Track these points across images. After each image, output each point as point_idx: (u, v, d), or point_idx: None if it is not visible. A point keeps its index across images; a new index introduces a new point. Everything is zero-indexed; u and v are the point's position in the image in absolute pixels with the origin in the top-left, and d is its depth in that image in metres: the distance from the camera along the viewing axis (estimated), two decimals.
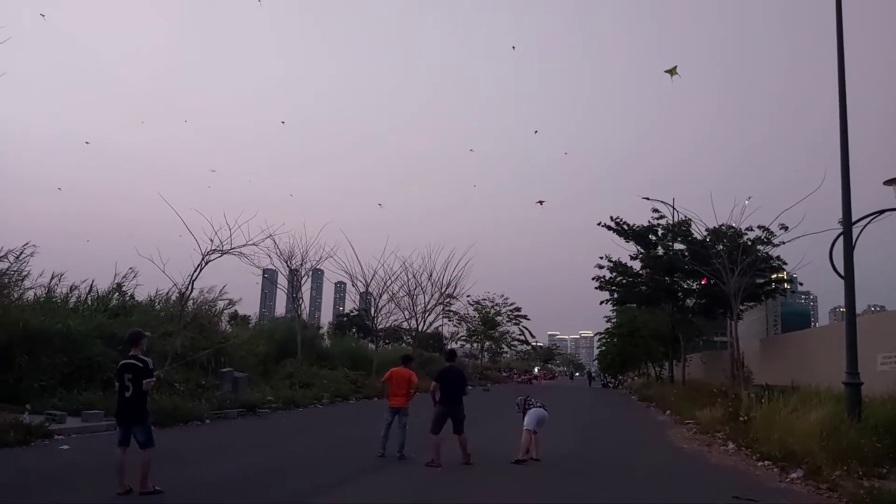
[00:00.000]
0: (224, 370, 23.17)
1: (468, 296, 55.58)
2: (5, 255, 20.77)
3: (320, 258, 32.69)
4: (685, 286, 33.85)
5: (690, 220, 30.18)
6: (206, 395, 20.23)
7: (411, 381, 12.68)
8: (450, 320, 64.45)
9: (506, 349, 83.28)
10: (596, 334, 79.56)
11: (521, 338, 79.49)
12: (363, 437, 13.02)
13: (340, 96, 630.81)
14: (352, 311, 69.53)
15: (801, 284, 49.90)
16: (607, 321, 57.96)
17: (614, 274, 35.05)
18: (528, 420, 12.58)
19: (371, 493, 9.34)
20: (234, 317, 39.06)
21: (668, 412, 26.06)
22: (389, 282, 38.61)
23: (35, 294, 23.04)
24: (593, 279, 35.32)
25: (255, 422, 19.27)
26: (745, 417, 15.93)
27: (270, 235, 24.06)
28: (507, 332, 74.81)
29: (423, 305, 41.40)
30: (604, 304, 39.52)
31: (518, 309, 72.52)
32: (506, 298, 70.72)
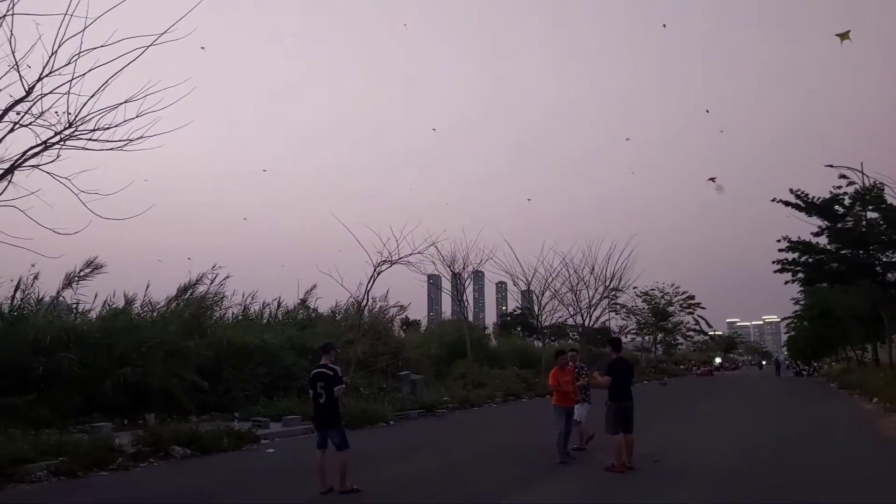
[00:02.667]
0: (402, 373, 24.36)
1: (635, 287, 53.67)
2: (201, 278, 23.46)
3: (481, 261, 33.27)
4: (884, 259, 30.28)
5: (883, 184, 26.95)
6: (388, 398, 21.38)
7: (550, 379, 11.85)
8: (617, 314, 62.70)
9: (681, 340, 79.35)
10: (783, 319, 73.11)
11: (697, 328, 75.39)
12: (539, 436, 13.02)
13: (490, 99, 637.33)
14: (515, 310, 69.96)
15: None
16: (795, 303, 53.34)
17: (797, 254, 32.20)
18: (580, 413, 12.19)
19: (547, 496, 9.26)
20: (406, 322, 40.95)
21: (874, 400, 23.51)
22: (551, 279, 38.35)
23: (233, 313, 25.76)
24: (774, 262, 32.73)
25: (435, 422, 20.02)
26: None
27: (433, 243, 25.03)
28: (681, 322, 71.39)
29: (587, 300, 40.63)
30: (788, 285, 36.40)
31: (691, 297, 68.96)
32: (677, 287, 67.58)
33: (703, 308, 71.70)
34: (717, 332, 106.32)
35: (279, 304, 28.47)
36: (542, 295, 39.20)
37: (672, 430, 16.51)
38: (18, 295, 18.97)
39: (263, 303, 27.84)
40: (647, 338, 69.21)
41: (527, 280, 38.40)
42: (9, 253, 12.25)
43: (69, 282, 19.83)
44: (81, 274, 19.98)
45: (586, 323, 42.09)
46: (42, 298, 19.85)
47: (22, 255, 12.19)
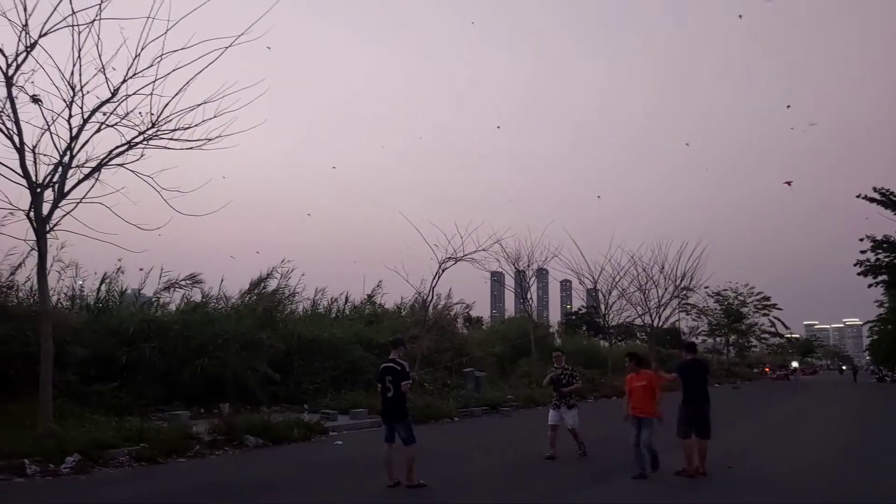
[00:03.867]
0: (466, 370, 24.39)
1: (706, 287, 51.98)
2: (272, 272, 24.12)
3: (545, 258, 33.02)
4: None
5: None
6: (452, 395, 21.48)
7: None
8: (687, 314, 60.86)
9: (755, 343, 76.32)
10: (865, 322, 69.40)
11: (772, 329, 72.28)
12: (605, 437, 12.77)
13: (552, 95, 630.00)
14: (580, 309, 68.91)
15: None
16: (878, 306, 50.58)
17: (881, 253, 30.52)
18: (569, 419, 12.16)
19: (612, 498, 9.06)
20: (469, 319, 40.96)
21: None
22: (618, 277, 37.58)
23: (303, 307, 26.40)
24: (855, 265, 31.13)
25: (500, 420, 19.93)
26: None
27: (498, 240, 24.96)
28: (755, 324, 68.64)
29: (656, 300, 39.62)
30: (872, 288, 34.58)
31: (767, 298, 66.28)
32: (751, 287, 65.13)
33: (779, 309, 68.84)
34: (793, 335, 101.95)
35: (346, 300, 29.10)
36: (609, 294, 38.48)
37: (745, 436, 15.93)
38: (103, 288, 20.00)
39: (332, 298, 28.52)
40: (718, 339, 66.92)
41: (593, 278, 37.78)
42: (94, 247, 12.92)
43: (168, 286, 20.99)
44: (182, 283, 21.20)
45: (655, 323, 41.08)
46: (125, 291, 20.86)
47: (106, 249, 12.82)
